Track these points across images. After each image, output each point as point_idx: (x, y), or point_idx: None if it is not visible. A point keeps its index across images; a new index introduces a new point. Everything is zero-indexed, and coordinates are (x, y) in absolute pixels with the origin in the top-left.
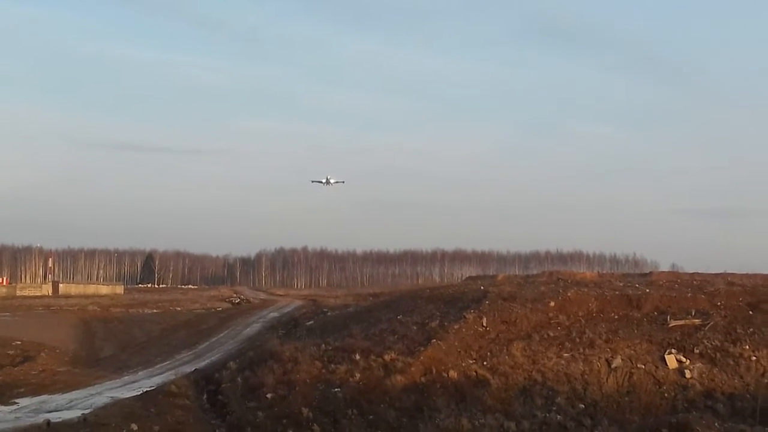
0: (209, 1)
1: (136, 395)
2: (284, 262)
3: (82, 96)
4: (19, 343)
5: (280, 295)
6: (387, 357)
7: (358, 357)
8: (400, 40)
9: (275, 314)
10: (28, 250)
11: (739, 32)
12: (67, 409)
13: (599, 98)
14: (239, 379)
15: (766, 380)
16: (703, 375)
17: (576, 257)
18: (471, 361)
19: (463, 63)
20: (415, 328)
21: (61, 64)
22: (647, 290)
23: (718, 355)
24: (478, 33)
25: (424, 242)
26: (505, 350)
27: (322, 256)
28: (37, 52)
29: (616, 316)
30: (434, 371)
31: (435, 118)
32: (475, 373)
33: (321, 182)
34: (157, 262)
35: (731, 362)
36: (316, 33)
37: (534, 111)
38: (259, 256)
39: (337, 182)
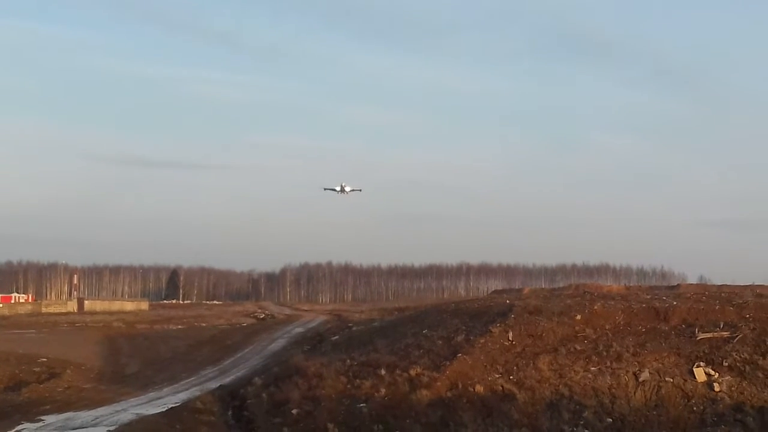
0: (229, 19)
1: (162, 412)
2: (309, 277)
3: (104, 113)
4: (44, 359)
5: (305, 311)
6: (412, 372)
7: (383, 372)
8: (421, 55)
9: (300, 329)
10: (53, 267)
11: (762, 44)
12: (93, 426)
13: (623, 110)
14: (264, 394)
15: None
16: (732, 388)
17: (603, 270)
18: (497, 375)
19: (486, 76)
20: (440, 342)
21: (83, 82)
22: (675, 303)
23: (747, 367)
24: (499, 47)
25: (449, 256)
26: (531, 364)
27: (347, 270)
28: (58, 69)
29: (643, 329)
30: (460, 386)
31: (458, 132)
32: (501, 388)
33: (335, 190)
34: (182, 278)
35: (761, 375)
36: (336, 49)
37: (557, 124)
38: (283, 272)
39: (353, 190)
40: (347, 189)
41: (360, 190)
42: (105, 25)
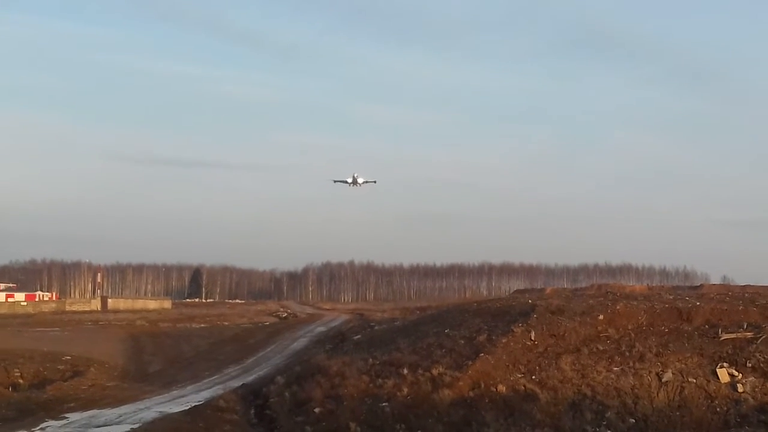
0: (250, 18)
1: (185, 410)
2: (331, 276)
3: (127, 112)
4: (68, 357)
5: (327, 310)
6: (435, 371)
7: (405, 371)
8: (442, 54)
9: (322, 328)
10: (77, 266)
11: None
12: (117, 424)
13: (645, 109)
14: (287, 393)
15: None
16: (756, 389)
17: (625, 270)
18: (519, 375)
19: (506, 75)
20: (462, 341)
21: (106, 81)
22: (698, 303)
23: None
24: (518, 46)
25: (471, 255)
26: (553, 364)
27: (369, 270)
28: (80, 69)
29: (666, 330)
30: (482, 385)
31: (479, 130)
32: (523, 387)
33: (347, 182)
34: (204, 277)
35: None
36: (356, 48)
37: (579, 122)
38: (305, 271)
39: (366, 182)
40: (360, 180)
41: (375, 182)
42: (127, 24)
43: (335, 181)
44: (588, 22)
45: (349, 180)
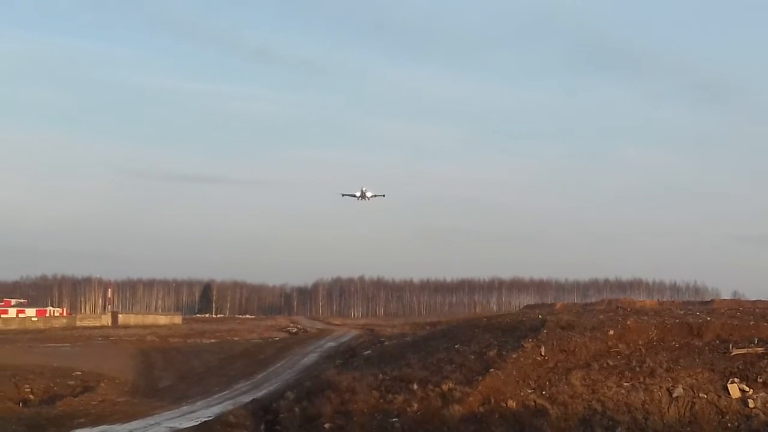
0: (261, 34)
1: (195, 425)
2: (341, 292)
3: (137, 127)
4: (79, 373)
5: (337, 325)
6: (445, 387)
7: (415, 387)
8: (452, 70)
9: (332, 344)
10: (87, 281)
11: None
12: None
13: (655, 125)
14: (297, 409)
15: None
16: (767, 404)
17: (635, 285)
18: (529, 391)
19: (516, 91)
20: (472, 357)
21: (116, 97)
22: (708, 318)
23: None
24: (530, 62)
25: (481, 271)
26: (564, 379)
27: (379, 285)
28: (93, 85)
29: (677, 345)
30: (492, 401)
31: (488, 146)
32: (533, 403)
33: (354, 196)
34: (214, 292)
35: None
36: (367, 64)
37: (589, 138)
38: (315, 286)
39: (375, 196)
40: (368, 194)
41: (383, 196)
42: (136, 40)
43: (343, 195)
44: (599, 38)
45: (358, 194)
